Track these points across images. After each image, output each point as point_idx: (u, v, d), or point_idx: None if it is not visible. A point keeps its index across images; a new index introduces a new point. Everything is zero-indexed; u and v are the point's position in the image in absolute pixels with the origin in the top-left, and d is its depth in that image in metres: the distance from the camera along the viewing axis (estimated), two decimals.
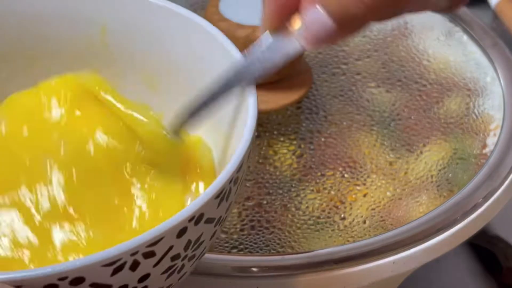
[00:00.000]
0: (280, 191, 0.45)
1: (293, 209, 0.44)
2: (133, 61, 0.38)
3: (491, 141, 0.47)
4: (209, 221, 0.28)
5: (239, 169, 0.29)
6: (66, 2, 0.38)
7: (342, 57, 0.54)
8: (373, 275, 0.41)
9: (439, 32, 0.55)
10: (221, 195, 0.28)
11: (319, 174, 0.46)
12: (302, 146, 0.48)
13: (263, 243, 0.42)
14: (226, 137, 0.34)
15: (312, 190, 0.45)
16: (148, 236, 0.26)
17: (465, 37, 0.54)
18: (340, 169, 0.47)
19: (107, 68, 0.39)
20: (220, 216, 0.29)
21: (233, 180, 0.29)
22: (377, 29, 0.56)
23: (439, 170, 0.47)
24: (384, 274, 0.41)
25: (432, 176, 0.46)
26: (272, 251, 0.42)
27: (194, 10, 0.58)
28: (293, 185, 0.46)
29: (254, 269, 0.40)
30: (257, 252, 0.42)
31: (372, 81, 0.52)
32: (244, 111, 0.32)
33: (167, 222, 0.26)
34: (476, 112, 0.50)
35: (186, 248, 0.28)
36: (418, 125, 0.50)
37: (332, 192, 0.45)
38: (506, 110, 0.48)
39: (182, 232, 0.27)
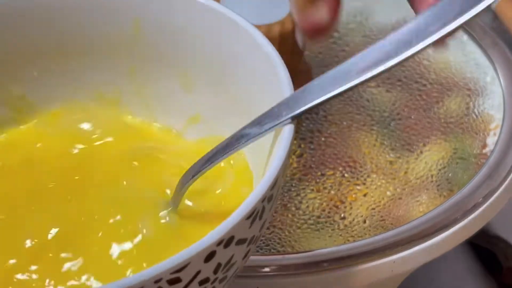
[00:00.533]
0: (280, 191, 0.45)
1: (293, 208, 0.44)
2: (167, 58, 0.37)
3: (491, 141, 0.47)
4: (240, 242, 0.26)
5: (273, 186, 0.27)
6: None
7: (342, 57, 0.54)
8: (373, 275, 0.41)
9: None
10: (253, 215, 0.26)
11: (319, 173, 0.46)
12: (302, 146, 0.48)
13: (263, 243, 0.42)
14: (265, 153, 0.32)
15: (312, 190, 0.45)
16: (172, 263, 0.24)
17: (465, 37, 0.54)
18: (340, 168, 0.47)
19: (140, 65, 0.37)
20: (253, 236, 0.28)
21: (267, 198, 0.27)
22: (377, 29, 0.56)
23: (439, 170, 0.47)
24: (384, 274, 0.41)
25: (432, 176, 0.46)
26: (272, 250, 0.42)
27: None
28: (293, 184, 0.46)
29: (254, 269, 0.40)
30: (257, 252, 0.42)
31: (372, 81, 0.52)
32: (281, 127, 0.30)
33: (193, 246, 0.25)
34: (476, 112, 0.50)
35: (215, 271, 0.26)
36: (418, 125, 0.50)
37: (332, 192, 0.45)
38: (506, 110, 0.48)
39: (210, 256, 0.25)
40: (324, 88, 0.30)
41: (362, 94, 0.52)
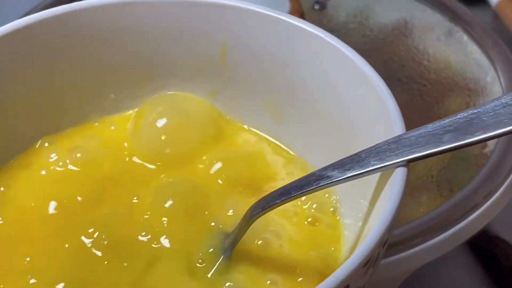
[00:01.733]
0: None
1: None
2: (254, 85, 0.34)
3: (491, 141, 0.47)
4: None
5: (389, 229, 0.25)
6: (186, 18, 0.33)
7: None
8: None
9: (439, 32, 0.55)
10: (370, 262, 0.24)
11: None
12: None
13: None
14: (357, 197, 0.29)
15: None
16: None
17: (465, 37, 0.54)
18: None
19: (225, 92, 0.35)
20: (363, 285, 0.25)
21: (384, 242, 0.25)
22: (377, 29, 0.56)
23: (439, 170, 0.47)
24: (384, 274, 0.41)
25: (432, 176, 0.46)
26: None
27: None
28: None
29: None
30: None
31: None
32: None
33: None
34: None
35: None
36: (418, 125, 0.49)
37: None
38: None
39: None
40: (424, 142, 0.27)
41: None
